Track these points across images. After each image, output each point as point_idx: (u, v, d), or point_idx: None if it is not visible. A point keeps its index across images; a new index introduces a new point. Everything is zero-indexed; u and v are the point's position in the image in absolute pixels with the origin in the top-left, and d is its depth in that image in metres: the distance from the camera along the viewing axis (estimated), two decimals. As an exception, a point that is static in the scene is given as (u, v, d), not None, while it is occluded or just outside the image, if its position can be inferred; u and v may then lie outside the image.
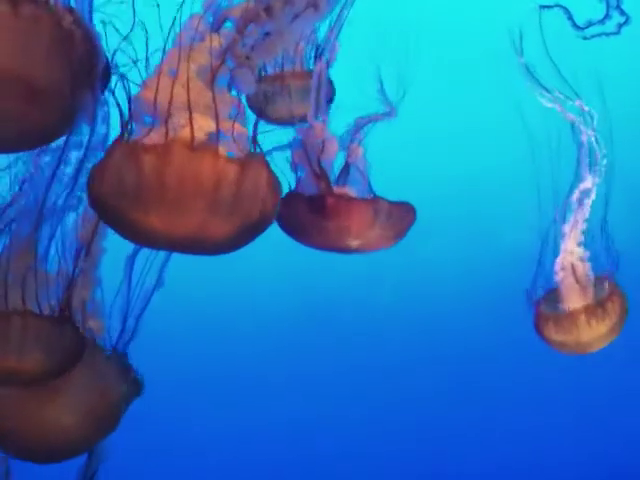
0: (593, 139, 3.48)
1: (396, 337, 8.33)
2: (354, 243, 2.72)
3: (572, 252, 3.39)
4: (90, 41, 2.18)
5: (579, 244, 3.42)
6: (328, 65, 2.78)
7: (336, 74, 2.92)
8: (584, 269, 3.39)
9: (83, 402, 2.75)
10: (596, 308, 3.31)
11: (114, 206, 2.23)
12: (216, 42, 2.27)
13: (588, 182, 3.43)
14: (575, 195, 3.43)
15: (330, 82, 2.95)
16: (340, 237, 2.69)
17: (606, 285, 3.42)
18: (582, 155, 3.53)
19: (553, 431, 8.41)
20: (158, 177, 2.13)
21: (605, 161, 3.48)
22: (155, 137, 2.20)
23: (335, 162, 2.74)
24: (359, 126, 2.77)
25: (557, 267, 3.41)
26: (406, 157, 7.76)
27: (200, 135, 2.19)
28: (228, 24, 2.35)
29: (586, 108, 3.49)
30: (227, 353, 8.36)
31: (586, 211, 3.40)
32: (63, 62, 2.08)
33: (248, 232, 2.30)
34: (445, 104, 7.47)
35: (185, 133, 2.18)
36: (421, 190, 7.77)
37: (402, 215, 2.77)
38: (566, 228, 3.42)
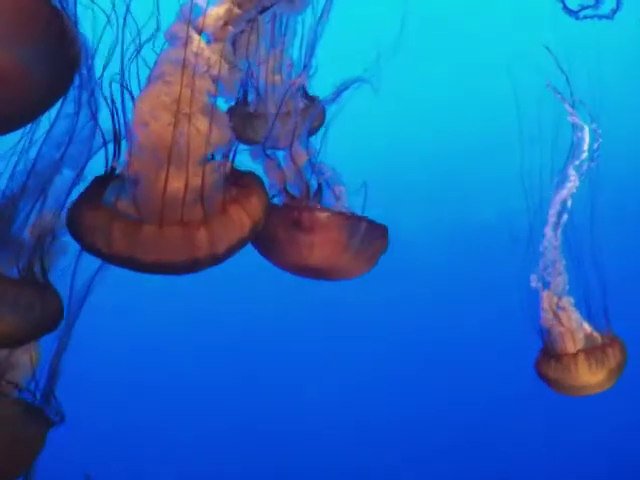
0: (584, 130, 3.46)
1: (363, 314, 8.27)
2: (326, 261, 2.70)
3: (555, 302, 3.36)
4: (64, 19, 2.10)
5: (562, 293, 3.39)
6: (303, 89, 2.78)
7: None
8: (571, 316, 3.36)
9: None
10: (595, 351, 3.28)
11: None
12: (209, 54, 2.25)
13: (572, 178, 3.39)
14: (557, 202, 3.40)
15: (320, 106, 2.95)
16: (313, 253, 2.67)
17: (605, 332, 3.40)
18: (575, 144, 3.52)
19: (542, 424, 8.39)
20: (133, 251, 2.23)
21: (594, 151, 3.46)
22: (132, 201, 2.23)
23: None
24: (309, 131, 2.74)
25: (543, 319, 3.39)
26: (399, 126, 7.69)
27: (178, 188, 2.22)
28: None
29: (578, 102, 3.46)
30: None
31: (556, 249, 3.35)
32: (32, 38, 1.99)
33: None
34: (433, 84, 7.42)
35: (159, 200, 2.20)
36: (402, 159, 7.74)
37: (376, 238, 2.75)
38: (547, 274, 3.38)
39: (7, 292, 2.51)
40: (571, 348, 3.31)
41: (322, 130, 2.88)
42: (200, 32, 2.25)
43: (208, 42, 2.28)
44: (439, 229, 8.14)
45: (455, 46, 7.18)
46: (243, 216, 2.30)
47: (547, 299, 3.32)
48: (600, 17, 3.57)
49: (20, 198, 2.61)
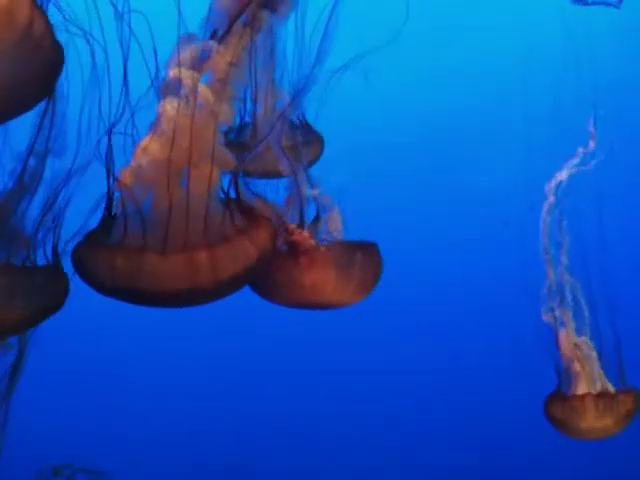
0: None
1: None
2: (329, 296, 2.69)
3: (573, 343, 3.34)
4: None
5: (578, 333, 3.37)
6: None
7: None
8: (589, 358, 3.34)
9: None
10: (606, 396, 3.26)
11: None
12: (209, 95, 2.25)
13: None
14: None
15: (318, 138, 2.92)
16: (314, 291, 2.67)
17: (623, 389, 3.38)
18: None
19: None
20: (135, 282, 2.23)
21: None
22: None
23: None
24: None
25: (563, 358, 3.38)
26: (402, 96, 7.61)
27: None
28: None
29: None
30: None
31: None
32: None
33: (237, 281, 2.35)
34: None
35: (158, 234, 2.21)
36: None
37: (371, 262, 2.73)
38: (562, 315, 3.36)
39: (16, 282, 2.51)
40: (583, 390, 3.29)
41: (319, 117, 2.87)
42: (200, 75, 2.26)
43: (207, 83, 2.29)
44: (437, 217, 8.07)
45: (456, 31, 7.10)
46: (249, 246, 2.29)
47: (565, 339, 3.32)
48: (607, 4, 3.56)
49: (20, 191, 2.62)
